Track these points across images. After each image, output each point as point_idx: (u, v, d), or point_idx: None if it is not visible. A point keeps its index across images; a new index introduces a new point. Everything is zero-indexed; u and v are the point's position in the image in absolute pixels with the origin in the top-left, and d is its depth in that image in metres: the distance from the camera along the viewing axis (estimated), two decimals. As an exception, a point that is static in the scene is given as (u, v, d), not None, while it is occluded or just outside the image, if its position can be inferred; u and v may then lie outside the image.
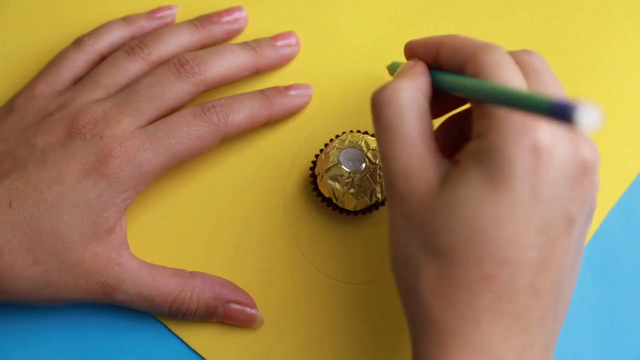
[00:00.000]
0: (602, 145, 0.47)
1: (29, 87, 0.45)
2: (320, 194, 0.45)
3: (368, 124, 0.48)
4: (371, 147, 0.44)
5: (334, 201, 0.44)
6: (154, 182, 0.46)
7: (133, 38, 0.48)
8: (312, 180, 0.45)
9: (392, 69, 0.45)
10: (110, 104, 0.43)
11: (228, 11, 0.49)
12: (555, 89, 0.37)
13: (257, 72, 0.48)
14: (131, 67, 0.45)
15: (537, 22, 0.50)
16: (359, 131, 0.46)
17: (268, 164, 0.47)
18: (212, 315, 0.44)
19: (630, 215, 0.47)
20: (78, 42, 0.47)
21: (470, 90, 0.37)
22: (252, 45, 0.47)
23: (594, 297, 0.46)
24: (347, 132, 0.46)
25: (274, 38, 0.49)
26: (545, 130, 0.34)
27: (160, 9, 0.49)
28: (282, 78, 0.49)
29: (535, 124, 0.34)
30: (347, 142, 0.44)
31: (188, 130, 0.43)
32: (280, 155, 0.48)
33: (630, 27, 0.49)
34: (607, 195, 0.47)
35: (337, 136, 0.46)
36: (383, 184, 0.41)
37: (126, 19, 0.48)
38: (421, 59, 0.41)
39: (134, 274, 0.43)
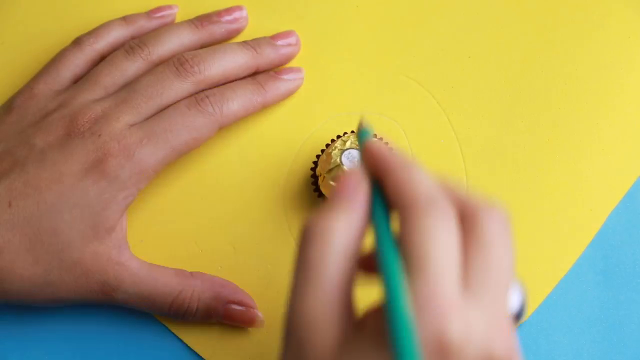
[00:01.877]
0: (604, 147, 0.47)
1: (28, 86, 0.45)
2: (321, 195, 0.45)
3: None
4: None
5: (336, 201, 0.44)
6: (154, 182, 0.46)
7: (133, 38, 0.48)
8: (314, 180, 0.45)
9: (361, 135, 0.38)
10: (109, 102, 0.43)
11: (228, 10, 0.49)
12: (494, 270, 0.32)
13: (257, 71, 0.48)
14: (130, 67, 0.45)
15: (537, 22, 0.50)
16: (360, 131, 0.46)
17: (268, 164, 0.47)
18: (212, 315, 0.44)
19: (631, 217, 0.47)
20: (78, 42, 0.47)
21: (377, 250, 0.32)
22: (252, 44, 0.47)
23: (596, 298, 0.46)
24: (349, 132, 0.46)
25: (274, 37, 0.48)
26: (455, 324, 0.30)
27: (160, 9, 0.49)
28: (283, 78, 0.49)
29: (447, 314, 0.30)
30: (348, 142, 0.44)
31: (184, 122, 0.43)
32: (280, 155, 0.48)
33: (631, 28, 0.49)
34: (609, 196, 0.47)
35: (338, 137, 0.46)
36: (282, 331, 0.35)
37: (126, 19, 0.48)
38: (371, 170, 0.34)
39: (134, 273, 0.43)
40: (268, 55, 0.48)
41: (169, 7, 0.49)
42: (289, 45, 0.49)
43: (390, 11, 0.50)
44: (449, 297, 0.30)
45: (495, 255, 0.32)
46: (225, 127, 0.45)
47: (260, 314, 0.45)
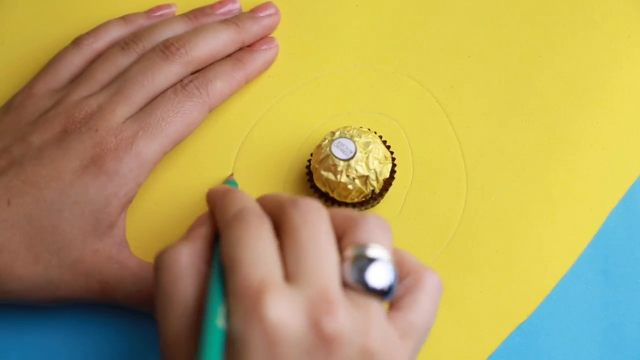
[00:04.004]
0: (604, 146, 0.47)
1: (27, 87, 0.46)
2: (317, 190, 0.45)
3: (368, 124, 0.48)
4: (362, 136, 0.44)
5: (331, 194, 0.44)
6: (153, 181, 0.46)
7: (131, 37, 0.48)
8: (309, 178, 0.45)
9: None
10: (104, 96, 0.44)
11: (221, 3, 0.49)
12: (305, 255, 0.34)
13: (242, 45, 0.48)
14: (126, 62, 0.46)
15: (537, 22, 0.50)
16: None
17: (268, 164, 0.47)
18: None
19: (631, 216, 0.47)
20: (77, 42, 0.47)
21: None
22: (233, 20, 0.48)
23: (595, 298, 0.46)
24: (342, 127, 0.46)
25: (253, 10, 0.49)
26: (273, 304, 0.32)
27: (159, 8, 0.49)
28: (280, 77, 0.49)
29: (263, 297, 0.32)
30: (338, 133, 0.44)
31: (174, 109, 0.44)
32: (279, 155, 0.48)
33: (631, 27, 0.49)
34: (609, 195, 0.47)
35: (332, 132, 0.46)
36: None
37: (125, 18, 0.48)
38: (211, 209, 0.39)
39: (133, 273, 0.43)
40: (250, 28, 0.48)
41: (168, 6, 0.49)
42: (269, 15, 0.49)
43: (390, 10, 0.50)
44: (259, 285, 0.32)
45: (302, 240, 0.34)
46: (215, 107, 0.46)
47: None
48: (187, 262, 0.35)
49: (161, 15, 0.49)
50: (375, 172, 0.43)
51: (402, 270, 0.37)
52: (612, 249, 0.46)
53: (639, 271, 0.46)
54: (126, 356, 0.45)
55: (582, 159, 0.47)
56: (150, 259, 0.45)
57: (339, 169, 0.43)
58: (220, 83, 0.46)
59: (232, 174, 0.47)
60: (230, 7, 0.49)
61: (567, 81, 0.49)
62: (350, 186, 0.43)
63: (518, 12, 0.50)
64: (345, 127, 0.44)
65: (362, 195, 0.44)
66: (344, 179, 0.43)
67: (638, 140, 0.48)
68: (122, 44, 0.46)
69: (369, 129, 0.45)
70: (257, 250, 0.34)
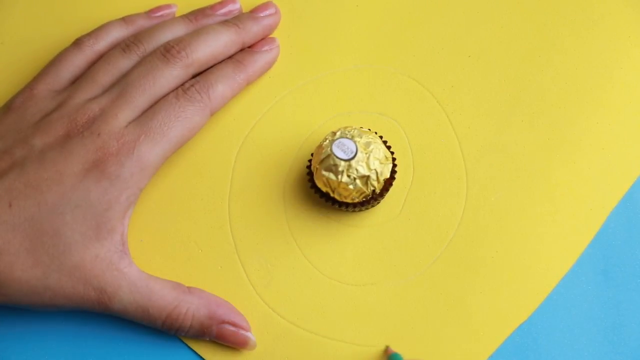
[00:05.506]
0: (605, 146, 0.47)
1: (28, 87, 0.45)
2: (318, 190, 0.45)
3: (368, 124, 0.48)
4: (363, 136, 0.44)
5: (332, 194, 0.44)
6: (154, 183, 0.46)
7: (132, 38, 0.48)
8: (310, 178, 0.45)
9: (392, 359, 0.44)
10: (106, 99, 0.44)
11: (222, 4, 0.49)
12: None
13: (243, 46, 0.48)
14: (127, 64, 0.46)
15: (537, 22, 0.50)
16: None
17: (268, 165, 0.47)
18: (205, 333, 0.44)
19: (632, 216, 0.47)
20: (77, 43, 0.47)
21: None
22: (234, 21, 0.48)
23: (596, 298, 0.46)
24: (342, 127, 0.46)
25: (254, 10, 0.49)
26: None
27: (159, 8, 0.49)
28: (280, 77, 0.49)
29: None
30: (339, 133, 0.44)
31: (175, 114, 0.44)
32: (280, 155, 0.48)
33: (631, 28, 0.49)
34: (609, 195, 0.47)
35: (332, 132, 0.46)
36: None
37: (125, 19, 0.48)
38: None
39: (131, 282, 0.42)
40: (251, 29, 0.48)
41: (168, 6, 0.49)
42: (270, 15, 0.49)
43: (390, 10, 0.50)
44: None
45: None
46: (217, 111, 0.46)
47: (252, 337, 0.45)
48: None
49: (161, 15, 0.49)
50: (376, 172, 0.43)
51: None
52: (612, 249, 0.46)
53: (639, 271, 0.46)
54: (125, 356, 0.45)
55: (582, 159, 0.47)
56: (151, 259, 0.45)
57: (340, 169, 0.43)
58: (221, 86, 0.46)
59: (388, 347, 0.45)
60: (230, 7, 0.49)
61: (567, 81, 0.49)
62: (351, 186, 0.43)
63: (518, 12, 0.50)
64: (346, 127, 0.44)
65: (362, 196, 0.44)
66: (344, 179, 0.43)
67: (638, 140, 0.48)
68: (123, 46, 0.46)
69: (370, 129, 0.45)
70: None
